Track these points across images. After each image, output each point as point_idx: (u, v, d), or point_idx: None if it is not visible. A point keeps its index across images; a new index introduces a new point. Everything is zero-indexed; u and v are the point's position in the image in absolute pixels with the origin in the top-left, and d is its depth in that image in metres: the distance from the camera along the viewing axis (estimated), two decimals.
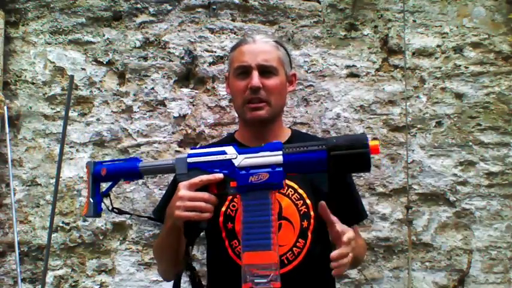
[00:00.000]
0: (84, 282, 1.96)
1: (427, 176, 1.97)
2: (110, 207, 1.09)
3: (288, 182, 1.11)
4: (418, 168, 1.97)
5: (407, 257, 1.92)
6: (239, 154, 0.97)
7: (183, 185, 0.97)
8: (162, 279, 1.25)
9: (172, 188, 1.22)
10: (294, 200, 1.12)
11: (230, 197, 1.13)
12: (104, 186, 1.11)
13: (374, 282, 1.95)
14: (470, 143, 1.98)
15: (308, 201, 1.12)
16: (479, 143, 1.97)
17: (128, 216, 1.96)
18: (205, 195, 0.96)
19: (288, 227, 1.10)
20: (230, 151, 0.98)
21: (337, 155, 0.88)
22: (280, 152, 0.93)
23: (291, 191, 1.13)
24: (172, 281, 1.11)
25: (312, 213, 1.11)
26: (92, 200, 1.04)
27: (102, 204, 1.08)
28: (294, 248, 1.09)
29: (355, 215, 1.25)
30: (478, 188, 1.96)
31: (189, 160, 1.00)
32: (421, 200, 1.97)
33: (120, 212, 1.13)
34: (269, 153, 0.94)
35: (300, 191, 1.13)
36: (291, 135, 1.26)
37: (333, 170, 0.90)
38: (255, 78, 1.13)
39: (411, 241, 1.92)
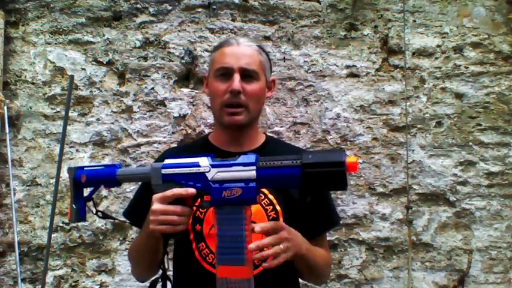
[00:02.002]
0: (84, 282, 1.97)
1: (427, 176, 1.97)
2: (94, 211, 1.07)
3: None
4: (418, 168, 1.97)
5: (407, 257, 1.92)
6: (212, 168, 0.93)
7: (155, 198, 0.95)
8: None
9: (142, 190, 1.24)
10: (264, 205, 1.12)
11: (199, 199, 1.13)
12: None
13: (374, 282, 1.95)
14: (470, 143, 1.98)
15: (278, 207, 1.12)
16: (479, 143, 1.97)
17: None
18: (177, 208, 0.93)
19: None
20: (204, 163, 0.94)
21: (312, 172, 0.85)
22: (254, 167, 0.89)
23: (260, 196, 1.10)
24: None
25: (281, 219, 1.10)
26: (74, 206, 1.04)
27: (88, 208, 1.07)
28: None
29: (326, 222, 1.25)
30: (478, 188, 1.96)
31: (163, 172, 0.97)
32: (421, 200, 1.97)
33: (104, 216, 1.12)
34: (242, 168, 0.90)
35: (271, 196, 1.12)
36: (264, 141, 1.25)
37: (307, 187, 0.88)
38: (236, 82, 1.11)
39: (411, 241, 1.92)
